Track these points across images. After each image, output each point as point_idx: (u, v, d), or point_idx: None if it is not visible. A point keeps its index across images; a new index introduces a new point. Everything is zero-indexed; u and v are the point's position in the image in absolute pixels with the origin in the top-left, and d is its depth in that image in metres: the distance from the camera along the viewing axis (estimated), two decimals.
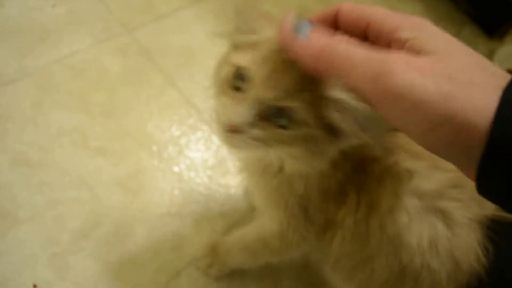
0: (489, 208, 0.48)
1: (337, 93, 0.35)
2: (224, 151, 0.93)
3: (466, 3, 1.53)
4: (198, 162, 0.90)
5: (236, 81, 0.42)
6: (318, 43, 0.34)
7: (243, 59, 0.42)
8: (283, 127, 0.40)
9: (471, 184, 0.31)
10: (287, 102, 0.38)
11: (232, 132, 0.41)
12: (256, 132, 0.41)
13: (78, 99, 0.89)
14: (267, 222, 0.62)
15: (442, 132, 0.30)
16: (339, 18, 0.38)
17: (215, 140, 0.94)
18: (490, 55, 1.43)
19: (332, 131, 0.40)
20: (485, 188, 0.31)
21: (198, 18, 1.11)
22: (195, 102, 0.97)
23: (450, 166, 0.32)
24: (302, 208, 0.53)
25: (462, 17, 1.52)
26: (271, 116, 0.40)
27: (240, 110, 0.40)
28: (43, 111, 0.86)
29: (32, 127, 0.83)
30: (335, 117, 0.38)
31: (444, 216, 0.48)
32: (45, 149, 0.82)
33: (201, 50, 1.05)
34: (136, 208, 0.82)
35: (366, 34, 0.36)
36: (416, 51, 0.32)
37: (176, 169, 0.88)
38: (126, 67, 0.97)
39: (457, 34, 1.46)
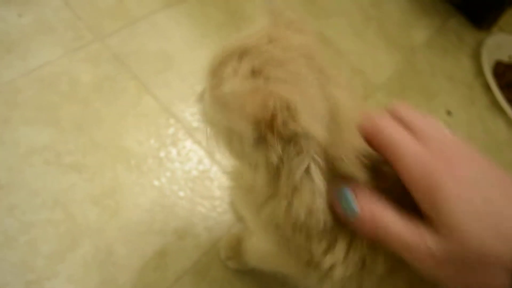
0: None
1: None
2: (207, 161, 0.89)
3: None
4: (179, 174, 0.86)
5: None
6: (364, 218, 0.37)
7: None
8: None
9: None
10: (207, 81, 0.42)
11: None
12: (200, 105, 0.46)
13: (48, 113, 0.84)
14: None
15: None
16: None
17: (197, 150, 0.89)
18: (478, 46, 1.41)
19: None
20: None
21: (173, 22, 1.06)
22: (174, 111, 0.93)
23: None
24: (280, 237, 0.48)
25: (447, 8, 1.49)
26: None
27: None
28: (11, 129, 0.81)
29: (0, 146, 0.79)
30: None
31: None
32: (14, 169, 0.77)
33: (178, 55, 1.01)
34: (115, 227, 0.78)
35: None
36: (434, 226, 0.34)
37: (156, 183, 0.83)
38: (99, 77, 0.92)
39: (443, 26, 1.43)
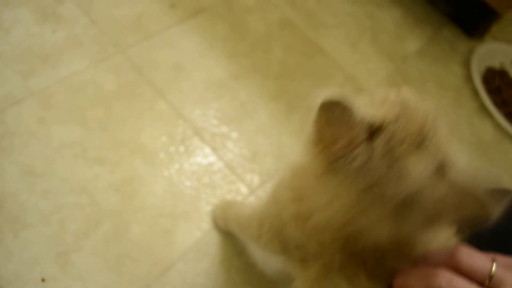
0: None
1: None
2: (211, 156, 1.02)
3: (444, 3, 1.57)
4: (186, 167, 0.99)
5: None
6: None
7: None
8: None
9: None
10: None
11: None
12: None
13: (77, 115, 0.99)
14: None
15: None
16: None
17: (203, 146, 1.03)
18: (469, 54, 1.47)
19: None
20: None
21: (185, 35, 1.20)
22: (184, 113, 1.07)
23: None
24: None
25: (440, 18, 1.57)
26: None
27: None
28: (45, 127, 0.96)
29: (36, 141, 0.93)
30: None
31: None
32: (48, 160, 0.92)
33: (188, 64, 1.15)
34: (132, 210, 0.91)
35: None
36: None
37: (166, 173, 0.97)
38: (120, 84, 1.06)
39: (435, 35, 1.51)
